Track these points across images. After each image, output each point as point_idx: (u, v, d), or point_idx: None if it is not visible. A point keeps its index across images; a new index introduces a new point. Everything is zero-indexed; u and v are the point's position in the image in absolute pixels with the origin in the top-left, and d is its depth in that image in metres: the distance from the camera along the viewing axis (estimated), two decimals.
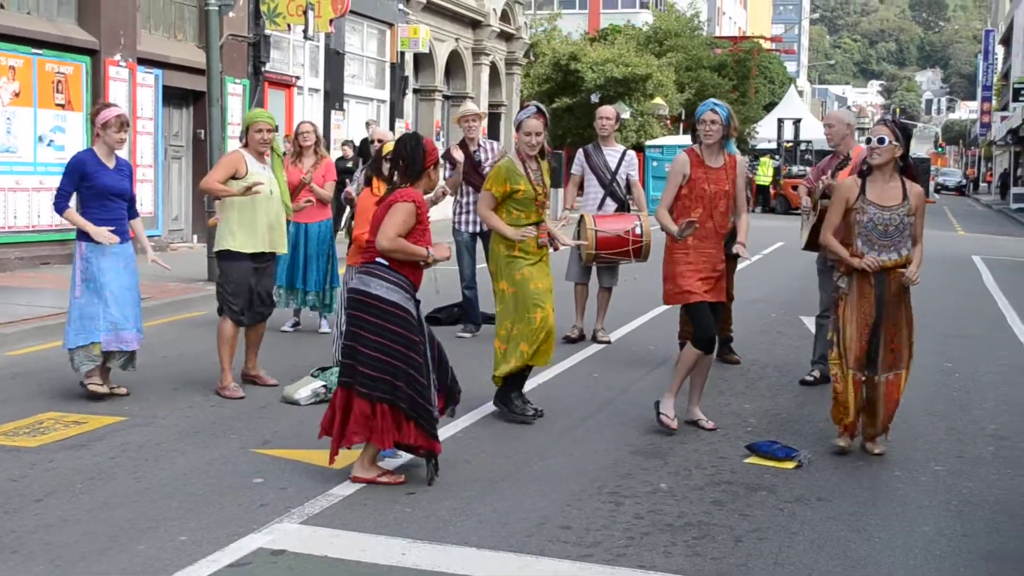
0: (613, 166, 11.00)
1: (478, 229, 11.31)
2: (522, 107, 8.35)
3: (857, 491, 6.50)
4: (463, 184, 11.16)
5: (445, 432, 7.48)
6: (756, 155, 46.87)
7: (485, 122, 11.50)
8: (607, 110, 11.25)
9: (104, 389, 8.30)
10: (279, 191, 8.79)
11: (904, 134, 7.27)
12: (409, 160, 6.41)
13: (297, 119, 22.70)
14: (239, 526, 5.57)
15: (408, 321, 6.26)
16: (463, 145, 11.27)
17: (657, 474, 6.71)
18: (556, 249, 8.22)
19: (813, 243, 9.09)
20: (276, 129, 9.09)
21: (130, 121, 8.75)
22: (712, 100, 7.82)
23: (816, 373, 9.49)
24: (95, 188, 8.26)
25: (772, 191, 41.55)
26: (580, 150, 11.44)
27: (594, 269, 11.19)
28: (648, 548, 5.44)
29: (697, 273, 7.67)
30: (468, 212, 11.34)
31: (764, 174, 41.43)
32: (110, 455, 6.79)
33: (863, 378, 7.28)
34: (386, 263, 6.30)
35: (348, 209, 12.72)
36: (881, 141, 7.18)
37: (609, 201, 11.02)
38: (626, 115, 41.25)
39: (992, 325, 13.68)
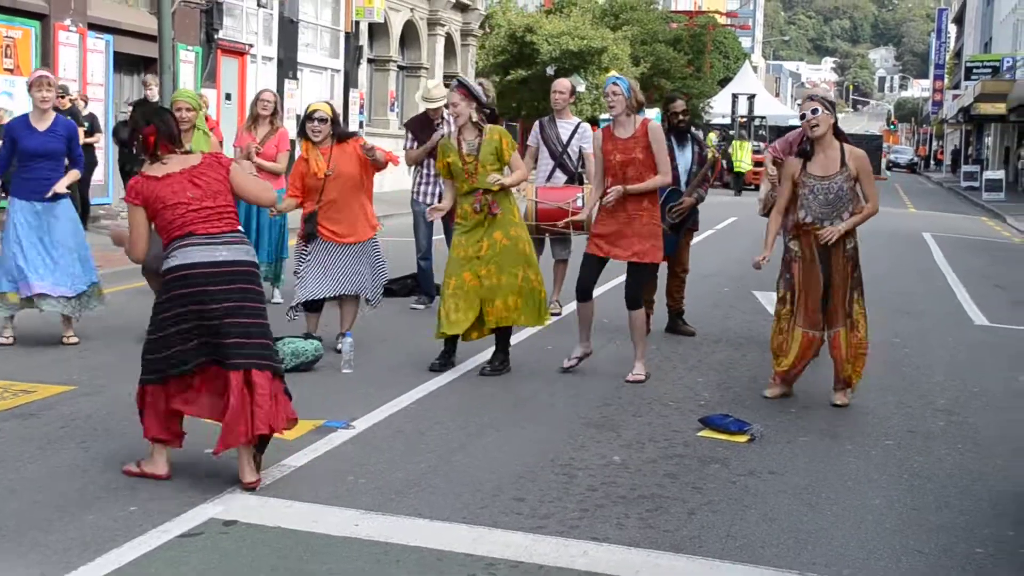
0: (565, 139, 10.96)
1: (437, 201, 11.29)
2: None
3: (808, 465, 6.54)
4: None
5: (400, 404, 7.48)
6: (717, 132, 46.92)
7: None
8: (561, 83, 11.22)
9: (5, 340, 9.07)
10: None
11: (832, 106, 7.79)
12: (162, 127, 5.88)
13: (250, 88, 22.56)
14: (190, 496, 5.52)
15: None
16: (428, 122, 11.25)
17: (610, 446, 6.72)
18: (493, 214, 8.33)
19: None
20: (198, 108, 9.43)
21: (55, 81, 9.23)
22: (613, 75, 8.40)
23: None
24: (20, 151, 8.96)
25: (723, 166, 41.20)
26: (536, 123, 11.42)
27: (547, 241, 11.14)
28: (601, 520, 5.45)
29: (598, 233, 8.40)
30: (427, 183, 11.35)
31: (740, 159, 40.39)
32: (59, 424, 6.72)
33: (817, 336, 7.88)
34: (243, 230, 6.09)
35: None
36: (815, 112, 7.64)
37: (559, 173, 10.99)
38: (581, 88, 41.20)
39: (942, 301, 13.81)
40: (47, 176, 8.94)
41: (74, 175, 9.26)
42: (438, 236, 11.58)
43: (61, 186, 9.01)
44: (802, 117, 7.76)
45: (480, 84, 8.70)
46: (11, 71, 16.69)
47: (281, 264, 11.38)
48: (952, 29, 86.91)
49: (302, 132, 8.89)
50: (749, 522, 5.52)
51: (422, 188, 11.45)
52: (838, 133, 7.84)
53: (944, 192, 52.23)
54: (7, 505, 5.33)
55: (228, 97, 22.65)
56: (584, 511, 5.57)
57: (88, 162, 14.75)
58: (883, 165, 67.91)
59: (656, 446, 6.78)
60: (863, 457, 6.75)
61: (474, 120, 8.33)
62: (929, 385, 8.87)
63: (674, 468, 6.35)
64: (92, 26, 18.12)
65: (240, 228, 5.98)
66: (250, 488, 5.70)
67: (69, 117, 17.20)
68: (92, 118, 16.64)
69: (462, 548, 5.01)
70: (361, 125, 27.89)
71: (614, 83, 8.22)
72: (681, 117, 10.18)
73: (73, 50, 17.67)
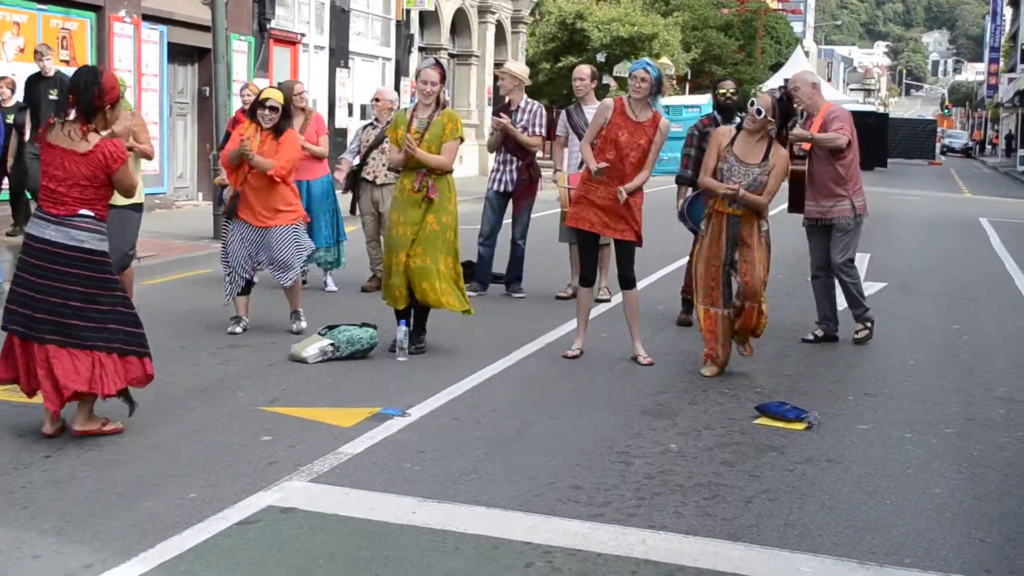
0: None
1: (503, 188, 11.34)
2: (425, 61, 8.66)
3: (867, 453, 6.48)
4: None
5: (455, 391, 7.49)
6: None
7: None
8: (581, 70, 11.23)
9: None
10: None
11: (784, 113, 8.09)
12: (79, 96, 6.07)
13: (303, 77, 22.65)
14: (248, 484, 5.55)
15: (109, 265, 6.29)
16: (505, 108, 11.32)
17: (667, 434, 6.69)
18: (429, 198, 8.45)
19: (798, 205, 9.20)
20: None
21: None
22: (645, 60, 8.53)
23: (819, 332, 9.56)
24: None
25: None
26: (563, 112, 11.45)
27: None
28: (659, 508, 5.43)
29: (596, 208, 8.45)
30: (498, 170, 11.44)
31: None
32: (118, 412, 6.76)
33: (720, 312, 8.16)
34: (93, 214, 6.16)
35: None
36: (759, 113, 7.96)
37: None
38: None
39: (1000, 287, 13.63)
40: None
41: None
42: (506, 221, 11.58)
43: None
44: (751, 104, 8.06)
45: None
46: (67, 62, 16.82)
47: (341, 247, 11.46)
48: (1007, 11, 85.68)
49: (252, 114, 9.17)
50: (807, 510, 5.48)
51: (494, 175, 11.49)
52: (781, 142, 8.14)
53: (1000, 176, 51.61)
54: (69, 492, 5.38)
55: (280, 87, 22.75)
56: (641, 499, 5.55)
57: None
58: (937, 150, 67.18)
59: (712, 434, 6.74)
60: (922, 445, 6.68)
61: (441, 101, 8.57)
62: (989, 372, 8.76)
63: (731, 456, 6.31)
64: (146, 17, 18.26)
65: (82, 212, 6.11)
66: (76, 435, 6.18)
67: None
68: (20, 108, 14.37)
69: (520, 536, 5.00)
70: None
71: (645, 68, 8.35)
72: (729, 95, 10.14)
73: (128, 41, 17.81)
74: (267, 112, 9.02)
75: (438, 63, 8.70)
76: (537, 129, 11.28)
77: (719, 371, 8.23)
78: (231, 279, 9.16)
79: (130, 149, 8.56)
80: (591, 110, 10.93)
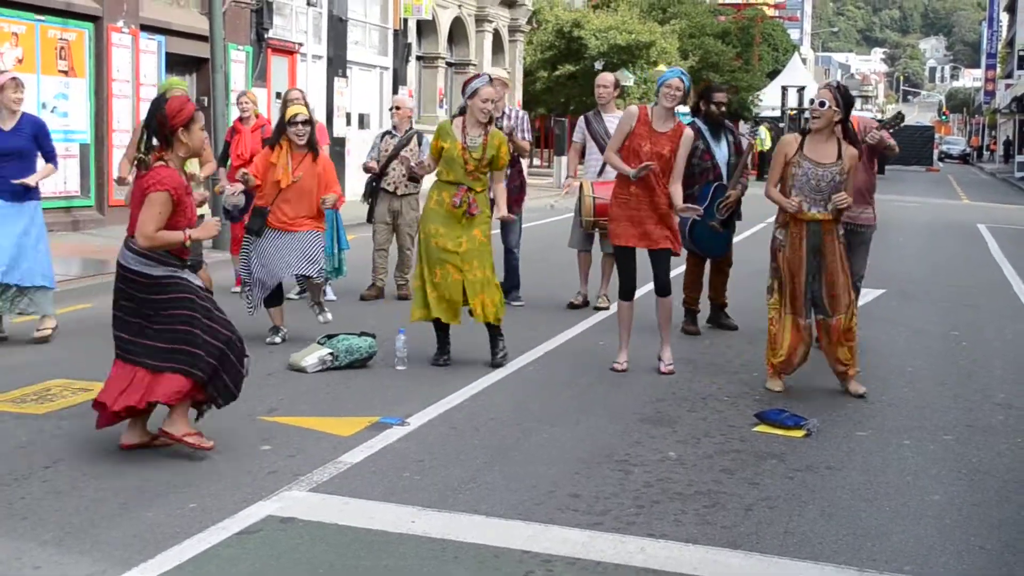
0: (613, 132, 10.94)
1: (492, 196, 11.27)
2: (474, 77, 8.58)
3: (866, 460, 6.48)
4: None
5: (454, 400, 7.49)
6: (757, 123, 46.70)
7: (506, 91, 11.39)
8: (605, 77, 11.20)
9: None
10: None
11: (845, 101, 7.84)
12: (148, 128, 6.12)
13: (300, 86, 22.63)
14: (248, 493, 5.56)
15: (180, 284, 6.11)
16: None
17: (666, 442, 6.69)
18: (471, 214, 8.43)
19: None
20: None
21: (22, 83, 9.17)
22: (679, 69, 8.56)
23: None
24: None
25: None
26: (581, 117, 11.41)
27: (596, 236, 11.13)
28: (658, 516, 5.43)
29: (633, 222, 8.38)
30: None
31: (760, 139, 41.44)
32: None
33: (806, 322, 7.93)
34: None
35: None
36: (822, 104, 7.78)
37: (609, 168, 10.97)
38: (629, 82, 41.09)
39: (998, 294, 13.65)
40: (14, 175, 8.95)
41: (48, 170, 9.27)
42: (495, 231, 11.53)
43: (33, 179, 9.07)
44: (811, 102, 8.01)
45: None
46: (65, 72, 16.86)
47: (342, 256, 11.45)
48: (1004, 17, 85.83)
49: (277, 136, 9.07)
50: (807, 518, 5.48)
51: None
52: (846, 131, 7.89)
53: (998, 183, 51.65)
54: (70, 502, 5.38)
55: (279, 96, 22.77)
56: (640, 507, 5.55)
57: None
58: (935, 156, 67.21)
59: (712, 441, 6.75)
60: (921, 452, 6.69)
61: (492, 118, 8.57)
62: (987, 379, 8.77)
63: (730, 464, 6.31)
64: (144, 27, 18.28)
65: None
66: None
67: None
68: None
69: (519, 545, 5.00)
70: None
71: (680, 77, 8.31)
72: (715, 107, 10.07)
73: (126, 51, 17.83)
74: (299, 127, 8.98)
75: (491, 79, 8.68)
76: (527, 134, 11.26)
77: (783, 385, 8.07)
78: (250, 294, 9.17)
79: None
80: (611, 118, 10.88)
